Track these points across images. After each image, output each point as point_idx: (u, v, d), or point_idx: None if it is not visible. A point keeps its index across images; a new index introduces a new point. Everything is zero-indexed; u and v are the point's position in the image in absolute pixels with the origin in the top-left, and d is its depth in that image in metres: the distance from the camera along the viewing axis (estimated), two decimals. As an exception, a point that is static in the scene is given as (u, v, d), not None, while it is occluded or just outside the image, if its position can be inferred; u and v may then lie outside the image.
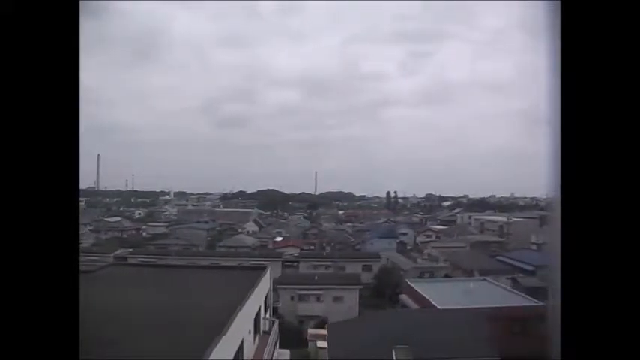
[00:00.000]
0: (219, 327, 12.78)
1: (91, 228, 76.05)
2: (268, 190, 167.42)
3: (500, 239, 69.46)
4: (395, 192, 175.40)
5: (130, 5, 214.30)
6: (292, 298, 34.51)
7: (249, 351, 19.07)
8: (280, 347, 25.69)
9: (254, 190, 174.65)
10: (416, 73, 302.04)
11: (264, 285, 24.24)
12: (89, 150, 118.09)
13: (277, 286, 35.57)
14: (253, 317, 19.93)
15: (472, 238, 68.23)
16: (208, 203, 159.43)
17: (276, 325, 24.68)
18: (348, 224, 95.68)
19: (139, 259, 46.91)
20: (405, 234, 78.33)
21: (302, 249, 57.57)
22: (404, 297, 33.13)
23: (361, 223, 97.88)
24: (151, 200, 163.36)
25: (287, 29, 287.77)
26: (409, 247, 68.04)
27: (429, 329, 21.79)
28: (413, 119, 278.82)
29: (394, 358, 19.85)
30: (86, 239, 63.04)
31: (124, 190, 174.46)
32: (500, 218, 79.50)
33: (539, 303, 28.78)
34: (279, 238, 67.50)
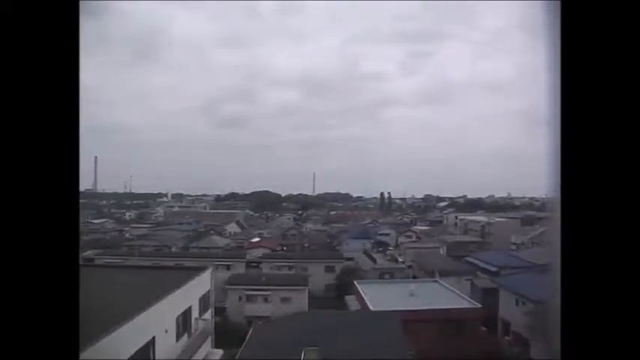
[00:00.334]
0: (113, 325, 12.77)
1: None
2: (262, 191, 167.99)
3: (479, 239, 68.96)
4: (389, 193, 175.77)
5: (130, 5, 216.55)
6: (240, 298, 34.38)
7: (170, 349, 18.98)
8: (224, 347, 25.72)
9: (252, 191, 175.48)
10: (416, 73, 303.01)
11: (199, 285, 24.18)
12: (89, 150, 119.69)
13: (226, 287, 35.64)
14: (175, 317, 19.87)
15: (452, 238, 67.73)
16: (203, 204, 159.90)
17: (209, 325, 24.59)
18: (333, 225, 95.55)
19: (105, 260, 47.09)
20: (387, 234, 78.44)
21: (273, 250, 57.40)
22: (350, 298, 32.90)
23: (345, 224, 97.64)
24: (144, 202, 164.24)
25: (287, 29, 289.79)
26: (389, 249, 67.51)
27: (345, 331, 21.55)
28: (413, 119, 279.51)
29: (302, 359, 19.62)
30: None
31: (121, 192, 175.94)
32: (483, 218, 78.79)
33: (477, 305, 28.56)
34: (256, 239, 67.37)
